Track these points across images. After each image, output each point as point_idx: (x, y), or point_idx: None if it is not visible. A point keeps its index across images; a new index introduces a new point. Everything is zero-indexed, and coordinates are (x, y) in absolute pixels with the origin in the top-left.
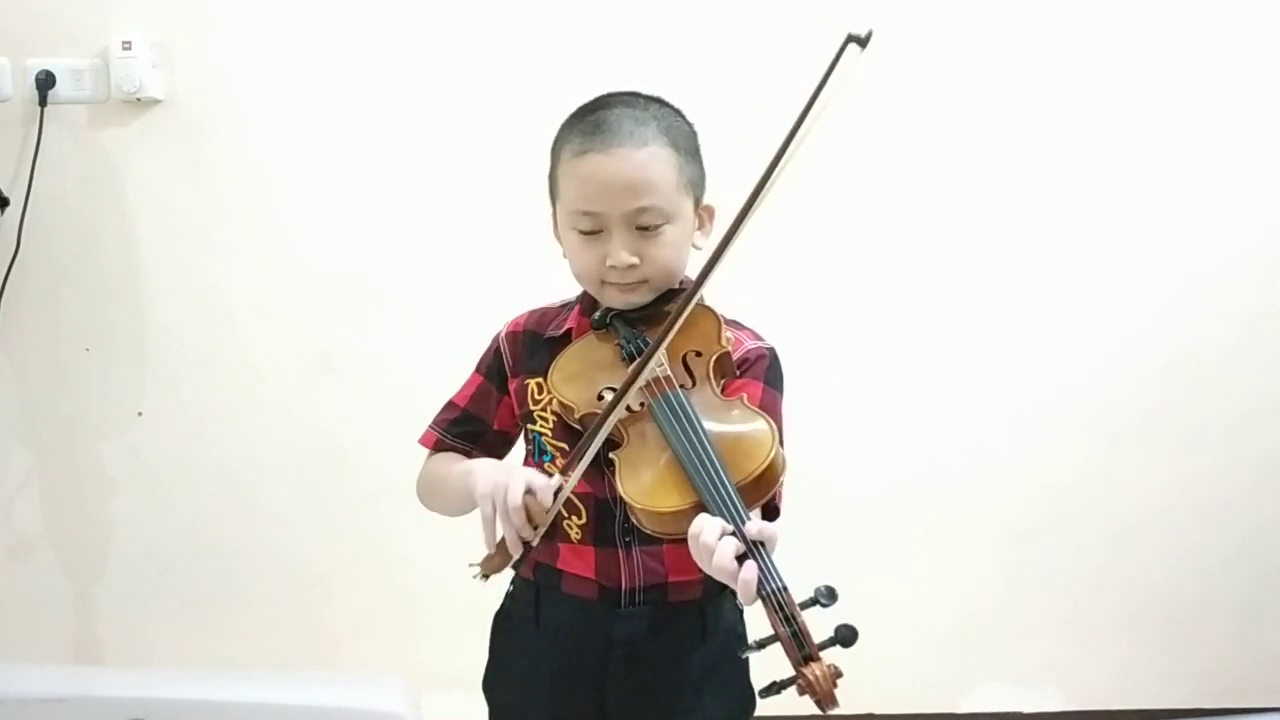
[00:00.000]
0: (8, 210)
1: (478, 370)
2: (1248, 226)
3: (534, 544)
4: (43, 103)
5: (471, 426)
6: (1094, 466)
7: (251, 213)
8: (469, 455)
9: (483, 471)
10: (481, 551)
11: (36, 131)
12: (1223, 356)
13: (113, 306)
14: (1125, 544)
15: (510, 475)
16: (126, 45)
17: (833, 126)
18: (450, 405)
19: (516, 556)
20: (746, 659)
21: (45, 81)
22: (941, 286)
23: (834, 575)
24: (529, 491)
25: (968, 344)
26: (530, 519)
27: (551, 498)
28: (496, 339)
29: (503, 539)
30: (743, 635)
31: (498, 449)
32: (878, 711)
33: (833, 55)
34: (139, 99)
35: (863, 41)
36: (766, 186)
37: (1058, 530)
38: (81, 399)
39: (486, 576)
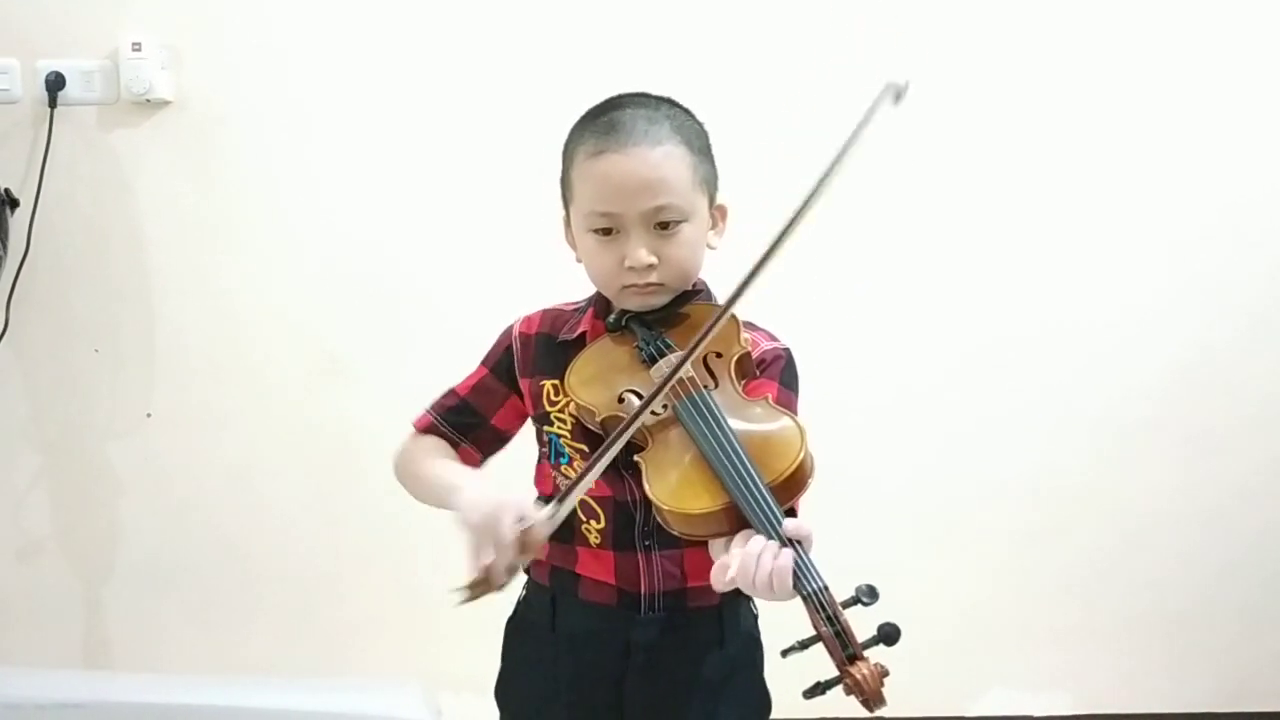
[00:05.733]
0: (17, 211)
1: (484, 363)
2: (1252, 227)
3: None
4: (52, 104)
5: (468, 418)
6: (1101, 469)
7: (261, 214)
8: (456, 446)
9: (469, 498)
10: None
11: (46, 133)
12: (1228, 358)
13: (122, 308)
14: (1133, 547)
15: (500, 507)
16: (136, 46)
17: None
18: (451, 393)
19: (503, 584)
20: (761, 662)
21: (55, 83)
22: (943, 290)
23: (841, 579)
24: (521, 521)
25: (973, 348)
26: (524, 550)
27: (547, 527)
28: (509, 335)
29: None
30: (759, 640)
31: (490, 445)
32: (886, 715)
33: (871, 102)
34: (148, 100)
35: (899, 94)
36: (790, 229)
37: (1065, 533)
38: (90, 400)
39: (469, 601)
